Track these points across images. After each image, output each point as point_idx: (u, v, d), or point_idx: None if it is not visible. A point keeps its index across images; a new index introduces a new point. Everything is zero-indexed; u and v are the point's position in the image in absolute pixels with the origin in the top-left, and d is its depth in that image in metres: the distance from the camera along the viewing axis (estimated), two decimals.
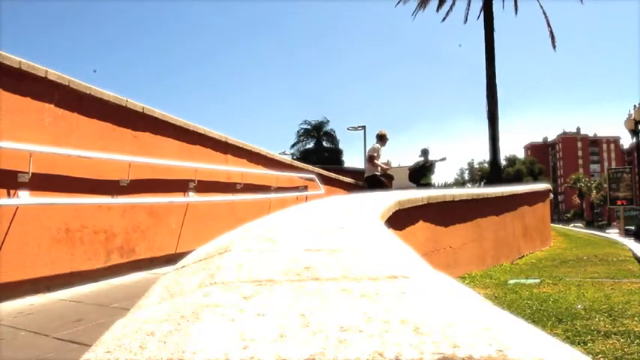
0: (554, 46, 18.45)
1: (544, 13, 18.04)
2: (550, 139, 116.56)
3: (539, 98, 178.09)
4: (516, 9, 18.55)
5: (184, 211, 4.90)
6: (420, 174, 9.61)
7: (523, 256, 7.60)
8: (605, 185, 31.49)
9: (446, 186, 26.76)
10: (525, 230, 8.13)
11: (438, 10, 18.91)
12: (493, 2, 17.58)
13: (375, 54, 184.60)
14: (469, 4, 18.60)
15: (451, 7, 18.77)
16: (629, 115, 17.43)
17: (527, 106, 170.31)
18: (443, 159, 10.41)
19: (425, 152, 9.81)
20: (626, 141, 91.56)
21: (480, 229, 6.17)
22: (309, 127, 38.40)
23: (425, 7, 18.93)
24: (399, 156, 60.39)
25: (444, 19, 18.81)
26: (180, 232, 4.80)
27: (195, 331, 0.66)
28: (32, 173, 3.29)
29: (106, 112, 4.07)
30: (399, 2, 19.03)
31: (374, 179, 8.24)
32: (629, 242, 10.94)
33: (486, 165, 46.88)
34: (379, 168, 8.29)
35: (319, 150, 37.09)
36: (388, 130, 8.63)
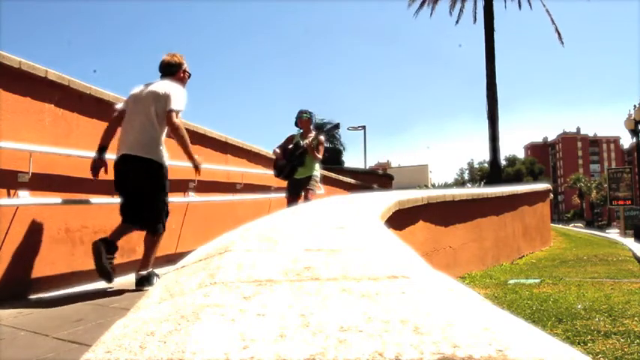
0: (561, 42, 18.64)
1: (547, 11, 18.10)
2: (550, 139, 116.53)
3: (539, 98, 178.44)
4: (520, 5, 18.64)
5: (184, 211, 4.90)
6: (294, 161, 5.13)
7: (523, 256, 7.60)
8: (605, 185, 31.49)
9: (446, 186, 26.72)
10: (525, 230, 8.13)
11: (450, 12, 19.04)
12: (494, 2, 17.62)
13: (376, 54, 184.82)
14: (475, 4, 18.68)
15: (461, 9, 18.87)
16: (629, 115, 17.46)
17: (527, 106, 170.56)
18: (336, 125, 7.72)
19: (302, 117, 5.29)
20: (626, 141, 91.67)
21: (480, 229, 6.17)
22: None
23: (433, 8, 19.08)
24: (398, 156, 60.32)
25: (457, 22, 18.95)
26: (180, 232, 4.79)
27: (195, 331, 0.66)
28: (32, 173, 3.29)
29: (106, 112, 4.06)
30: (410, 4, 19.17)
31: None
32: (629, 242, 10.95)
33: (486, 165, 46.79)
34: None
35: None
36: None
